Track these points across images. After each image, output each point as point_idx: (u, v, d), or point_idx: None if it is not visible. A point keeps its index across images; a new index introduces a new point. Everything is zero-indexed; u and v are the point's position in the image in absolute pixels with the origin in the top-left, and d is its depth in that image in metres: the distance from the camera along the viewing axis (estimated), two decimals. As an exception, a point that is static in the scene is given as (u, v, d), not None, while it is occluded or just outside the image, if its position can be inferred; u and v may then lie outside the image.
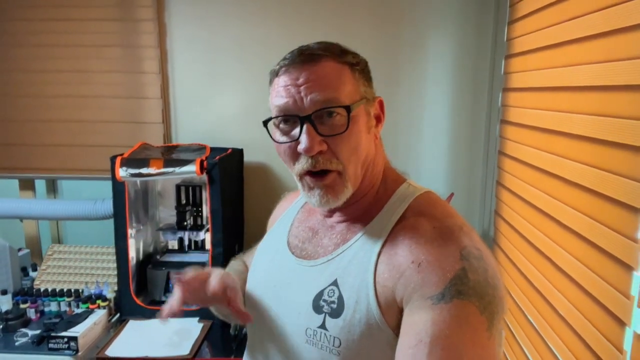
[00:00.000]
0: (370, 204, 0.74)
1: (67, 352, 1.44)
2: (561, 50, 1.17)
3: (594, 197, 0.98)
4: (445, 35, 1.83)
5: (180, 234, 1.78)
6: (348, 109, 0.66)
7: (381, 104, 0.76)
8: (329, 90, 0.66)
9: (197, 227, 1.78)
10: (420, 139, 1.90)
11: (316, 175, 0.69)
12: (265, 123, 0.72)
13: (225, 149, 1.79)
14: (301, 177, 0.70)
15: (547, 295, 1.19)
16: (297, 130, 0.67)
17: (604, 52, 0.97)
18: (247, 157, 1.93)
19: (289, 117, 0.68)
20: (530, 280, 1.30)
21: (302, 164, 0.68)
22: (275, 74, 0.70)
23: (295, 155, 0.69)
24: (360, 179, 0.72)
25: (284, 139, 0.70)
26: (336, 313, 0.67)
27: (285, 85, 0.67)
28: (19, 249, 1.97)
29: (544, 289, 1.21)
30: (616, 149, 0.91)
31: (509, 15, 1.61)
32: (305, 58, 0.67)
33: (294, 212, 0.87)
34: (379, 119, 0.75)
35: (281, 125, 0.70)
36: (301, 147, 0.66)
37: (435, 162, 1.92)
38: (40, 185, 2.14)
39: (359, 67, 0.72)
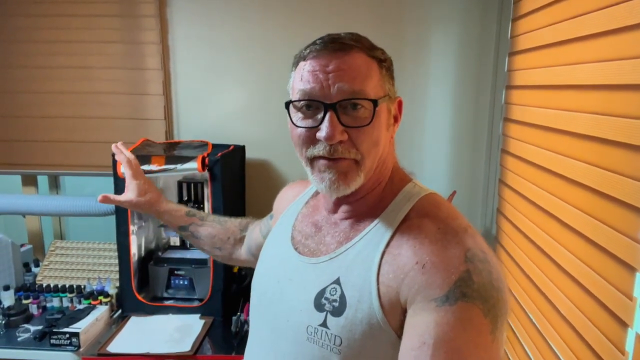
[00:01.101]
0: (375, 201, 0.74)
1: (68, 348, 1.44)
2: (566, 48, 1.16)
3: (598, 196, 0.98)
4: (448, 33, 1.82)
5: (182, 230, 1.78)
6: (375, 103, 0.66)
7: (400, 104, 0.76)
8: (357, 82, 0.66)
9: (199, 224, 1.78)
10: (422, 136, 1.89)
11: (331, 160, 0.68)
12: (287, 105, 0.71)
13: (227, 146, 1.79)
14: (312, 161, 0.70)
15: (549, 295, 1.18)
16: (319, 117, 0.67)
17: (610, 50, 0.95)
18: (249, 154, 1.92)
19: (313, 103, 0.67)
20: (532, 279, 1.30)
21: (319, 149, 0.67)
22: (302, 57, 0.69)
23: (311, 141, 0.68)
24: (372, 172, 0.72)
25: (303, 123, 0.68)
26: (338, 311, 0.67)
27: (313, 70, 0.66)
28: (22, 245, 1.98)
29: (546, 289, 1.20)
30: (621, 149, 0.90)
31: (513, 12, 1.59)
32: (336, 46, 0.67)
33: (299, 206, 0.87)
34: (395, 119, 0.75)
35: (303, 109, 0.69)
36: (322, 134, 0.66)
37: (437, 159, 1.92)
38: (43, 181, 2.14)
39: (386, 64, 0.72)
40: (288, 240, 0.81)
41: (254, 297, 0.84)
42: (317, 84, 0.66)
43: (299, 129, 0.69)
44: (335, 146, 0.66)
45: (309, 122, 0.68)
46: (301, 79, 0.68)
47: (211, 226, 1.12)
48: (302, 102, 0.68)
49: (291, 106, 0.70)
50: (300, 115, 0.69)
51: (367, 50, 0.69)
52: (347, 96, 0.65)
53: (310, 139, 0.68)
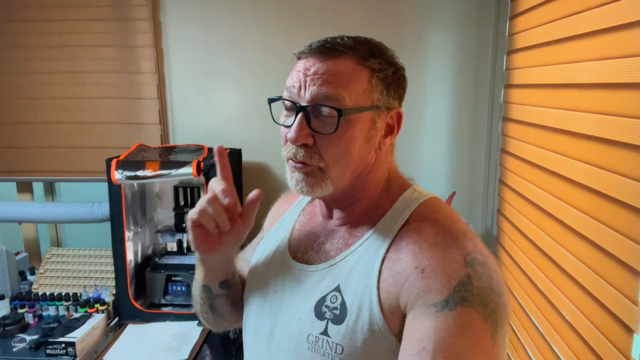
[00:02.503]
0: (370, 208, 0.73)
1: (64, 357, 1.42)
2: (564, 46, 1.14)
3: (600, 198, 0.96)
4: (445, 31, 1.80)
5: (178, 235, 1.76)
6: (340, 112, 0.65)
7: (399, 116, 0.73)
8: (331, 87, 0.65)
9: (196, 229, 1.76)
10: (421, 137, 1.87)
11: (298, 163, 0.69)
12: (269, 102, 0.72)
13: (223, 150, 1.77)
14: (287, 160, 0.71)
15: (551, 298, 1.16)
16: (293, 117, 0.67)
17: (609, 48, 0.93)
18: (246, 157, 1.90)
19: (291, 103, 0.68)
20: (534, 281, 1.28)
21: (287, 150, 0.69)
22: (297, 56, 0.71)
23: (285, 140, 0.69)
24: (347, 182, 0.70)
25: (283, 120, 0.70)
26: (339, 319, 0.66)
27: (298, 70, 0.68)
28: (17, 253, 1.96)
29: (548, 292, 1.18)
30: (622, 149, 0.88)
31: (510, 10, 1.57)
32: (324, 50, 0.67)
33: (295, 214, 0.85)
34: (391, 130, 0.73)
35: (286, 107, 0.70)
36: (289, 134, 0.67)
37: (436, 160, 1.89)
38: (38, 187, 2.12)
39: (381, 75, 0.69)
40: (285, 250, 0.80)
41: (249, 308, 0.82)
42: (297, 84, 0.67)
43: (281, 127, 0.70)
44: (300, 149, 0.67)
45: (287, 121, 0.69)
46: (290, 77, 0.69)
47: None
48: (281, 99, 0.70)
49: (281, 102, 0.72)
50: (285, 112, 0.71)
51: (359, 58, 0.67)
52: (318, 100, 0.65)
53: (284, 138, 0.69)
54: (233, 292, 0.85)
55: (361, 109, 0.67)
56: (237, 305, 0.86)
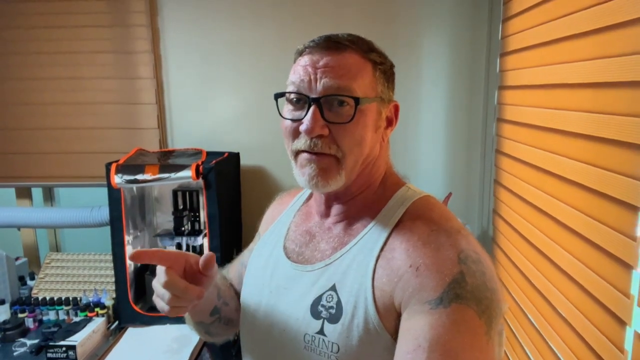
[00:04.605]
0: (367, 205, 0.74)
1: (65, 361, 1.43)
2: (556, 47, 1.16)
3: (593, 195, 0.97)
4: (439, 34, 1.82)
5: (178, 239, 1.77)
6: (357, 100, 0.66)
7: (396, 108, 0.76)
8: (343, 79, 0.66)
9: (195, 233, 1.77)
10: (417, 139, 1.89)
11: (312, 154, 0.69)
12: (276, 97, 0.72)
13: (222, 153, 1.79)
14: (296, 155, 0.70)
15: (547, 295, 1.18)
16: (304, 110, 0.67)
17: (598, 49, 0.96)
18: (244, 161, 1.92)
19: (300, 96, 0.68)
20: (530, 279, 1.29)
21: (301, 143, 0.68)
22: (299, 53, 0.71)
23: (296, 133, 0.69)
24: (356, 174, 0.71)
25: (290, 115, 0.70)
26: (335, 318, 0.66)
27: (304, 65, 0.68)
28: (17, 258, 1.96)
29: (544, 289, 1.20)
30: (614, 147, 0.90)
31: (503, 13, 1.60)
32: (331, 45, 0.68)
33: (290, 215, 0.86)
34: (390, 123, 0.75)
35: (292, 102, 0.70)
36: (303, 126, 0.66)
37: (432, 162, 1.91)
38: (37, 193, 2.13)
39: (382, 68, 0.72)
40: (280, 251, 0.80)
41: (246, 309, 0.82)
42: (305, 77, 0.67)
43: (287, 121, 0.70)
44: (316, 140, 0.67)
45: (295, 115, 0.69)
46: (294, 72, 0.69)
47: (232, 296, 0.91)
48: (289, 94, 0.69)
49: (284, 99, 0.71)
50: (290, 107, 0.70)
51: (362, 51, 0.70)
52: (331, 92, 0.66)
53: (295, 131, 0.69)
54: (224, 311, 0.87)
55: (371, 100, 0.69)
56: (232, 320, 0.89)
